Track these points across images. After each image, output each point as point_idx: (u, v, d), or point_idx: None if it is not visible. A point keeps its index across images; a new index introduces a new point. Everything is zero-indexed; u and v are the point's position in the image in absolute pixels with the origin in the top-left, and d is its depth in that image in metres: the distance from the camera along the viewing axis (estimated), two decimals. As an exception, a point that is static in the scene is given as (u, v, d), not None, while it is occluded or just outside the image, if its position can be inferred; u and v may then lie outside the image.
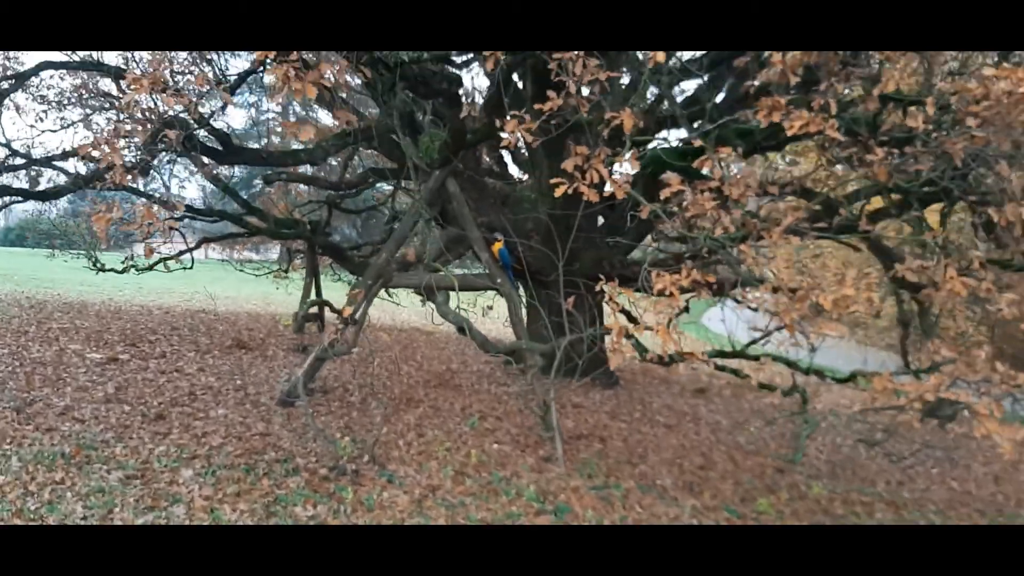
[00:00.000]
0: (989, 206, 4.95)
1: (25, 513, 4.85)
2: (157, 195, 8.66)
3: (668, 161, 6.78)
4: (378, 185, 15.86)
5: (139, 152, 6.08)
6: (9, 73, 7.66)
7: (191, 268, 15.19)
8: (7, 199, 8.16)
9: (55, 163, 8.99)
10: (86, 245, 14.40)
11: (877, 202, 7.84)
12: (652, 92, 9.10)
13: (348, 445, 6.74)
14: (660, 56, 4.28)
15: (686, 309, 12.18)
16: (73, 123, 9.09)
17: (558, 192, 4.82)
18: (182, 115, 6.33)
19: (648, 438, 8.84)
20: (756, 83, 5.72)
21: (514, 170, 13.79)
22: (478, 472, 6.60)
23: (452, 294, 8.55)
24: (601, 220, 12.19)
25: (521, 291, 10.42)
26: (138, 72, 5.18)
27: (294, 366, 10.69)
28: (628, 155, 4.66)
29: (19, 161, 8.44)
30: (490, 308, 9.92)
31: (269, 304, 20.17)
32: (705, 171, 5.04)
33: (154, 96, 5.33)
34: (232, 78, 8.45)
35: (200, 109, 5.99)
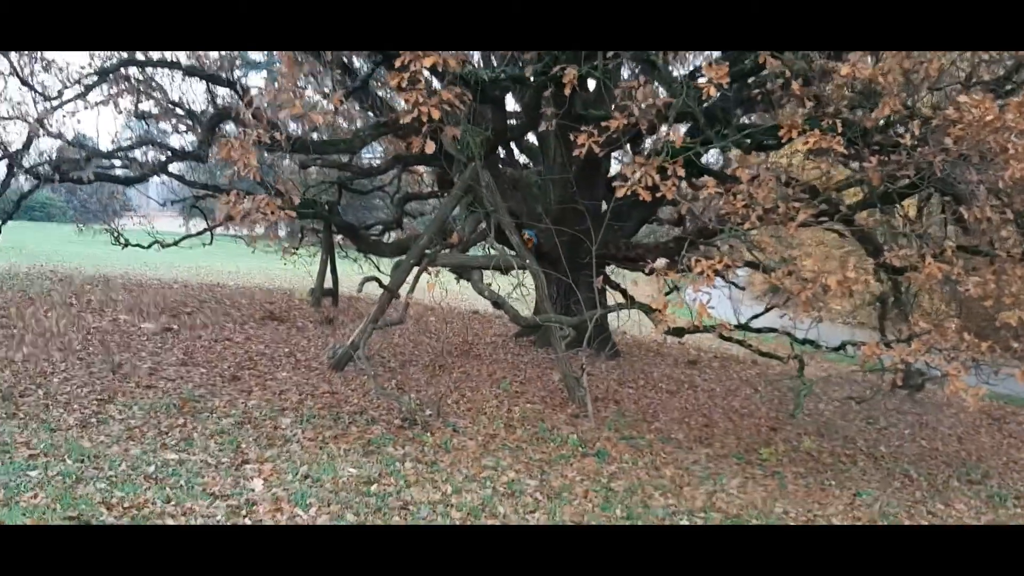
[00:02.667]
0: (960, 204, 6.14)
1: (169, 447, 5.85)
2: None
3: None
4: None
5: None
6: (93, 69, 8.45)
7: (210, 244, 16.17)
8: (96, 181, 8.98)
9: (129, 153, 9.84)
10: (109, 224, 15.07)
11: (853, 195, 9.02)
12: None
13: (410, 401, 7.81)
14: (712, 90, 5.31)
15: (676, 288, 13.40)
16: (144, 115, 9.88)
17: (619, 192, 5.89)
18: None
19: (655, 402, 10.00)
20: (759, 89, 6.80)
21: (520, 158, 14.80)
22: (523, 425, 7.71)
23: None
24: (604, 206, 13.27)
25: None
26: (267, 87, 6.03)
27: (329, 336, 11.72)
28: (673, 163, 5.69)
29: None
30: (521, 285, 10.92)
31: (272, 279, 21.03)
32: (723, 172, 6.16)
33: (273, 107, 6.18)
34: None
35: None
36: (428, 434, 6.89)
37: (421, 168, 15.00)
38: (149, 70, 9.74)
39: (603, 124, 5.84)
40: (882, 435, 9.64)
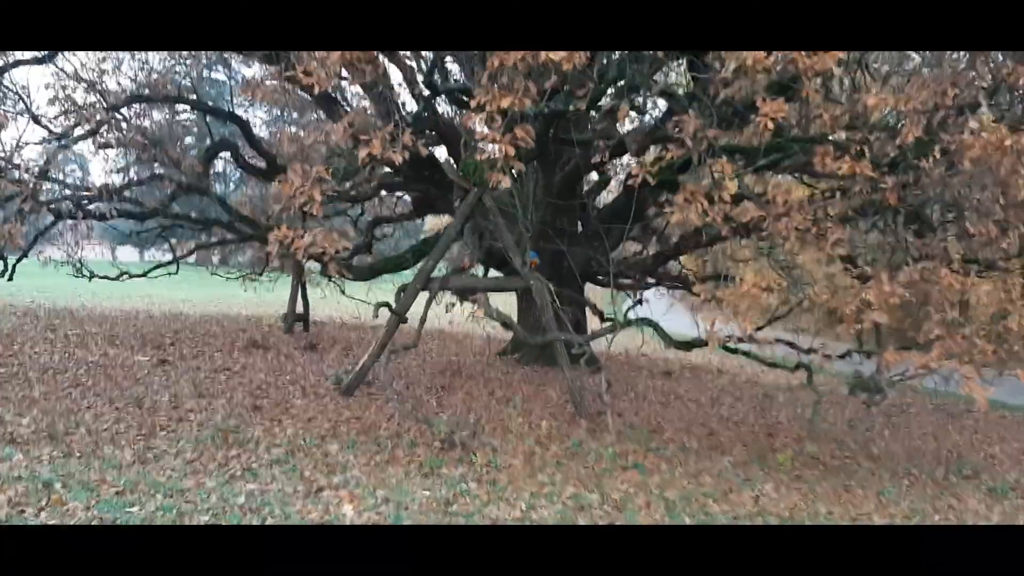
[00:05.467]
0: (965, 220, 6.72)
1: (239, 478, 5.93)
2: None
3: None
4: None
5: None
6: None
7: (176, 274, 15.97)
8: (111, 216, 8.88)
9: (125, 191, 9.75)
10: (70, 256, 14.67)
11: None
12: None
13: (440, 423, 7.99)
14: (769, 125, 5.70)
15: (639, 301, 13.86)
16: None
17: (674, 219, 6.25)
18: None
19: (653, 414, 10.39)
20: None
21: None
22: (553, 441, 7.98)
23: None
24: (580, 227, 13.67)
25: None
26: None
27: (317, 362, 11.77)
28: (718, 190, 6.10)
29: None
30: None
31: (230, 306, 20.77)
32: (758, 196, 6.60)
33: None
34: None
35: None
36: (474, 454, 7.10)
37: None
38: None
39: (661, 155, 6.21)
40: (866, 438, 10.22)
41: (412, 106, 9.80)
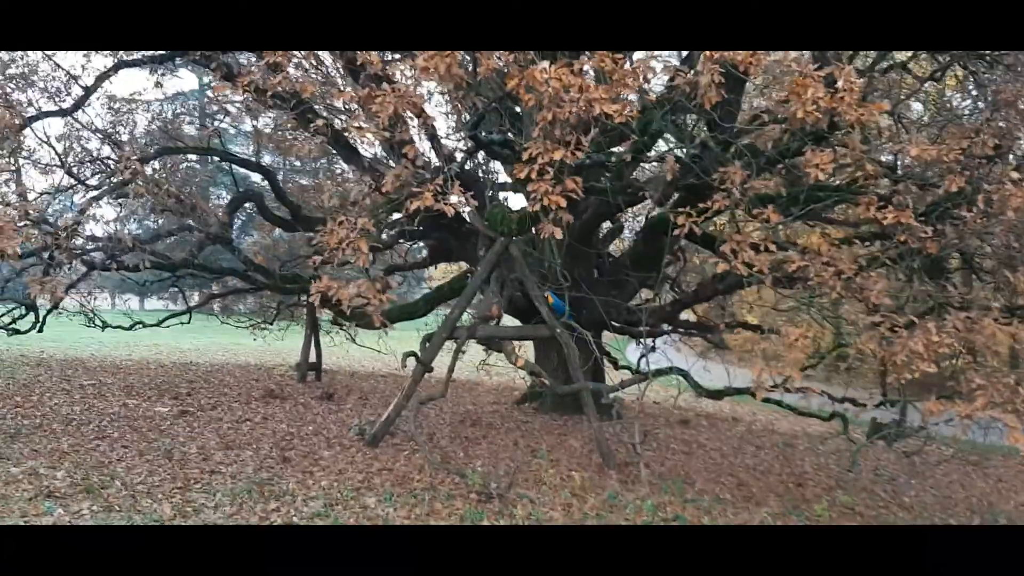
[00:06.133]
0: (1009, 268, 6.76)
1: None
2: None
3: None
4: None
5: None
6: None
7: (189, 323, 15.93)
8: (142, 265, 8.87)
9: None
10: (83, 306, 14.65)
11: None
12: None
13: (473, 474, 7.91)
14: (819, 175, 5.76)
15: (653, 348, 13.85)
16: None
17: (720, 268, 6.29)
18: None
19: (679, 463, 10.31)
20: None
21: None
22: (588, 493, 7.89)
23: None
24: (596, 273, 13.71)
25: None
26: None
27: (335, 412, 11.69)
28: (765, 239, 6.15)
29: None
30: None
31: (235, 355, 20.67)
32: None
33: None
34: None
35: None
36: (514, 508, 7.02)
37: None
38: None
39: (699, 205, 6.25)
40: (894, 487, 10.15)
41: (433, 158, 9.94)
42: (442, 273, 20.49)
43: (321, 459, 8.45)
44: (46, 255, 7.13)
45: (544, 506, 7.25)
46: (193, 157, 10.98)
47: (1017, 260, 6.54)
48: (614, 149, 8.61)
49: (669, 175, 6.20)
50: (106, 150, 9.71)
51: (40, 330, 10.99)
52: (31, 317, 10.33)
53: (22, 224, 6.59)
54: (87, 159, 9.91)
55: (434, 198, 5.94)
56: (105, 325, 14.21)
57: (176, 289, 15.69)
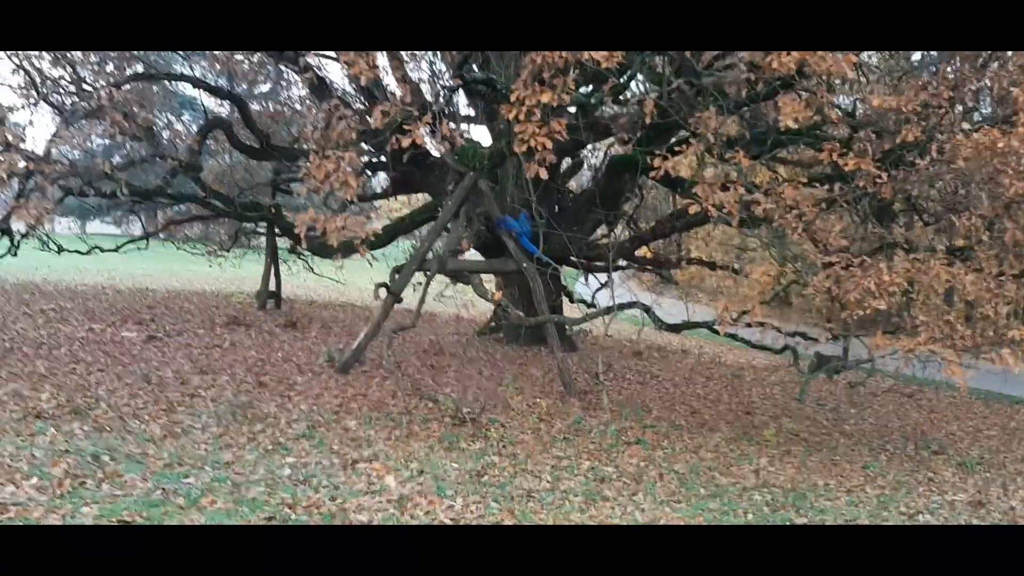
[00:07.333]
0: (953, 213, 7.23)
1: (274, 452, 6.13)
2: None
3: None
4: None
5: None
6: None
7: (146, 249, 15.87)
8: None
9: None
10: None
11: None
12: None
13: (446, 400, 8.26)
14: (790, 122, 6.07)
15: (608, 283, 14.35)
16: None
17: (691, 209, 6.61)
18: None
19: (635, 393, 10.83)
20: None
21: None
22: (554, 418, 8.33)
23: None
24: (557, 209, 13.99)
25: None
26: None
27: (300, 339, 11.91)
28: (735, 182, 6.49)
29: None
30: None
31: (189, 282, 20.63)
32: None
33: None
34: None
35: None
36: (488, 431, 7.40)
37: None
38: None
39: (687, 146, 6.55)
40: (836, 415, 10.82)
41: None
42: (400, 204, 20.62)
43: (296, 384, 8.71)
44: (28, 180, 7.13)
45: (515, 429, 7.65)
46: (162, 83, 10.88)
47: (961, 206, 7.01)
48: (583, 90, 8.86)
49: (648, 117, 6.46)
50: (81, 74, 9.57)
51: (15, 254, 10.95)
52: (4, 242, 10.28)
53: (3, 150, 6.60)
54: (62, 86, 9.70)
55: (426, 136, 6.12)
56: (61, 249, 14.06)
57: (128, 213, 15.53)
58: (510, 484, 5.91)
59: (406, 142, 6.26)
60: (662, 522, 5.45)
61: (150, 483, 5.07)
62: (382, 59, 7.02)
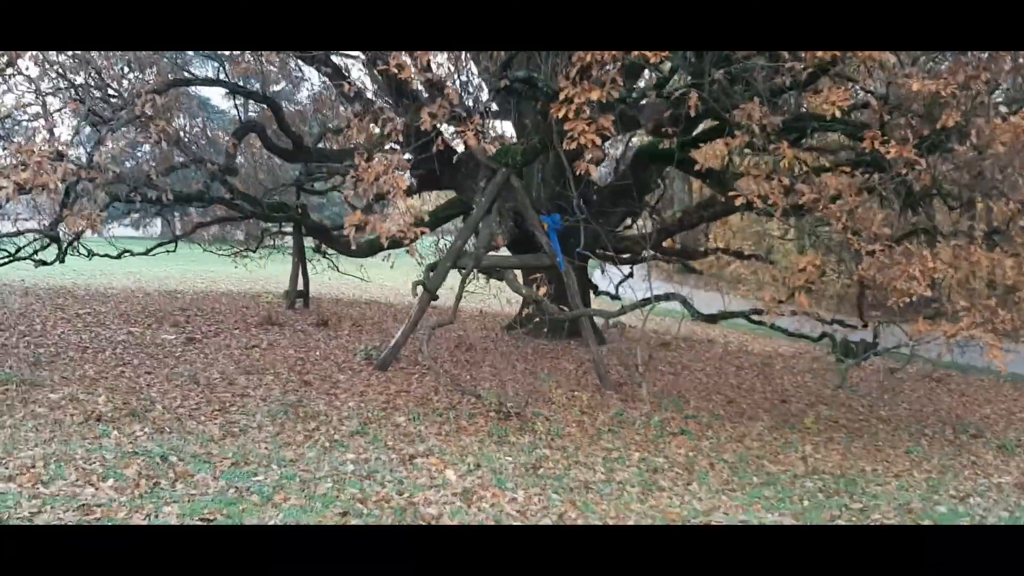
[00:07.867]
0: (990, 200, 7.28)
1: (332, 448, 6.25)
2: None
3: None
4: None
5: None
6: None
7: (174, 251, 16.03)
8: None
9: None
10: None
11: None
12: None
13: (489, 394, 8.37)
14: (836, 112, 6.15)
15: (630, 275, 14.44)
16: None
17: (737, 201, 6.70)
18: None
19: (670, 384, 10.91)
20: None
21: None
22: (596, 410, 8.42)
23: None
24: (582, 202, 14.05)
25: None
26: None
27: (334, 338, 12.04)
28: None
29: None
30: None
31: (215, 283, 20.80)
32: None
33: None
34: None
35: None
36: (534, 424, 7.51)
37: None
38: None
39: (723, 142, 6.63)
40: (871, 402, 10.88)
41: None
42: (421, 202, 20.74)
43: (339, 382, 8.83)
44: (79, 187, 7.26)
45: (559, 423, 7.75)
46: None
47: (996, 192, 7.07)
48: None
49: (692, 111, 6.54)
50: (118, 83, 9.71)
51: (62, 260, 11.15)
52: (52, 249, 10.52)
53: (54, 159, 6.72)
54: (106, 95, 9.78)
55: (476, 139, 6.22)
56: (91, 254, 14.23)
57: (153, 216, 15.68)
58: (566, 476, 6.02)
59: (459, 145, 6.36)
60: (720, 511, 5.55)
61: (222, 482, 5.19)
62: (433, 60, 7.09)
